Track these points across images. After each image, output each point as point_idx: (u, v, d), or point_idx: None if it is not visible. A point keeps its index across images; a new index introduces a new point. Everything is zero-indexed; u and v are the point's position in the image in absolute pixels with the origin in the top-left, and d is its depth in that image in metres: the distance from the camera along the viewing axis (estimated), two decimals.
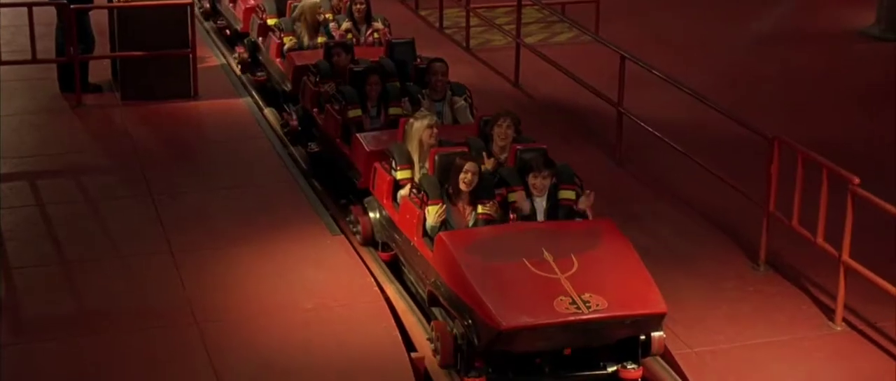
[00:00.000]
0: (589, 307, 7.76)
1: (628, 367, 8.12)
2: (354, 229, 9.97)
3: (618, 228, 8.55)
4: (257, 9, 14.15)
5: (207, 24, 16.55)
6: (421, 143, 9.34)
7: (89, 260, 9.62)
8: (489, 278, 7.93)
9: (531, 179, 8.69)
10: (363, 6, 13.14)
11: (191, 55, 13.33)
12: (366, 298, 8.96)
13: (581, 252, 8.18)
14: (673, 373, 8.31)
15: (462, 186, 8.66)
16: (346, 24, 13.07)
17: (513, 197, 8.76)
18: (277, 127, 12.73)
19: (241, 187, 11.06)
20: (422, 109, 10.32)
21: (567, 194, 8.79)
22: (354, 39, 12.88)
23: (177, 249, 9.69)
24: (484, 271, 7.98)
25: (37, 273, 9.42)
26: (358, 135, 10.31)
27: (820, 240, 9.12)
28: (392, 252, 9.45)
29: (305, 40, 12.96)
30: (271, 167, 11.53)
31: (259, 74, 13.88)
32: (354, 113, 10.58)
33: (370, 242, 9.80)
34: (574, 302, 7.78)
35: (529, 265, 8.02)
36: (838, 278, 8.88)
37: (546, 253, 8.11)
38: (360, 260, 9.54)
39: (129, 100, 13.19)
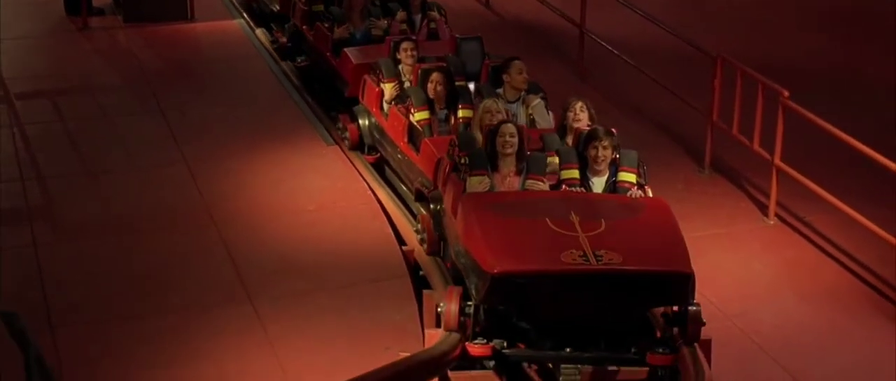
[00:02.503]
0: (600, 261, 6.93)
1: (658, 351, 7.17)
2: (421, 237, 9.08)
3: (669, 207, 7.81)
4: None
5: None
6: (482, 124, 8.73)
7: (113, 170, 10.63)
8: (498, 230, 7.28)
9: (591, 151, 8.01)
10: None
11: None
12: (361, 200, 10.00)
13: (613, 218, 7.43)
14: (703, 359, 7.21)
15: (503, 150, 8.11)
16: (400, 14, 11.64)
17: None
18: (268, 44, 13.39)
19: (243, 103, 12.01)
20: None
21: (627, 177, 8.03)
22: (409, 31, 11.46)
23: (190, 159, 10.69)
24: (496, 225, 7.34)
25: (67, 182, 10.42)
26: (427, 140, 9.34)
27: (756, 146, 10.25)
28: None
29: (351, 28, 11.61)
30: (267, 84, 12.49)
31: (300, 60, 12.68)
32: (421, 116, 9.62)
33: (437, 250, 8.87)
34: (584, 255, 6.98)
35: (550, 224, 7.30)
36: (771, 179, 10.01)
37: (573, 215, 7.37)
38: (353, 168, 10.57)
39: (130, 22, 14.09)
